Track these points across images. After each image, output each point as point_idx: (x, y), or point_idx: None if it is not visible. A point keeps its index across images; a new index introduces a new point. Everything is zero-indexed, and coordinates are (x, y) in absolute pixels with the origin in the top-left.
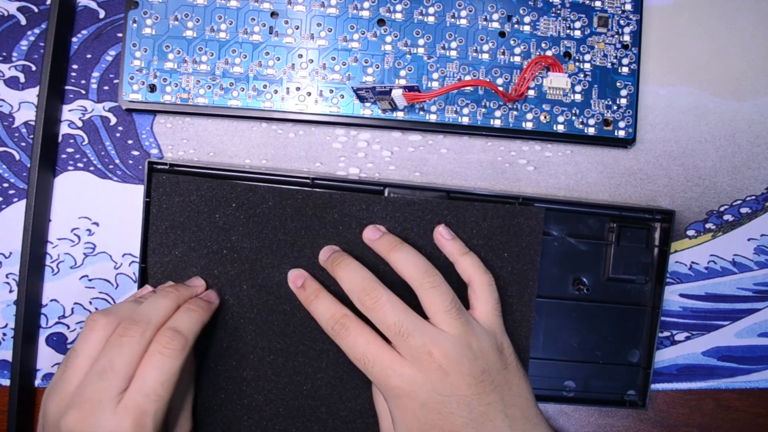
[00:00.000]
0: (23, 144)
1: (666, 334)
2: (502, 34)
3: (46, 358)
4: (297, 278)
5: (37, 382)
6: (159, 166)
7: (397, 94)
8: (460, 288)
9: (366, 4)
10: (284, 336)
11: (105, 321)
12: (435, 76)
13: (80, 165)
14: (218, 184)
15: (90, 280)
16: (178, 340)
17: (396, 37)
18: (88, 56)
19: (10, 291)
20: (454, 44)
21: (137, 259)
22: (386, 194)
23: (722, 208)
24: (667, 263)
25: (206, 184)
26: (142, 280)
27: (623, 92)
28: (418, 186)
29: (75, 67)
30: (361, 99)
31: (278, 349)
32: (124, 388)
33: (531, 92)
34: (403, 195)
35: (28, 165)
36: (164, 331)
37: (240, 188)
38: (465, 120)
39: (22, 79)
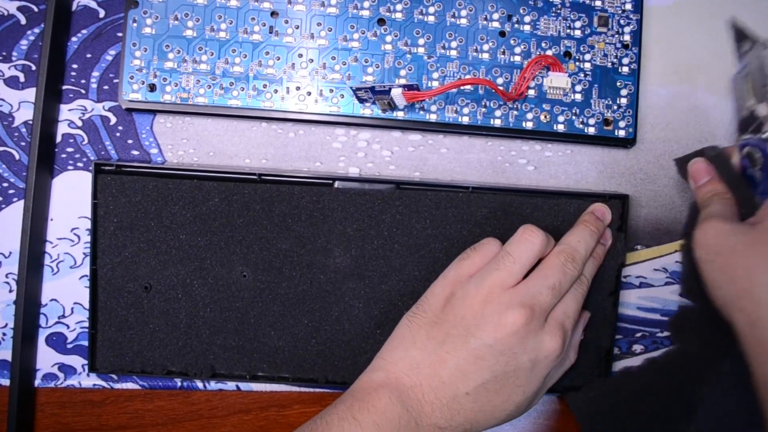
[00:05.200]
0: (23, 144)
1: (667, 334)
2: (502, 33)
3: (45, 358)
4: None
5: (37, 381)
6: (106, 167)
7: (396, 93)
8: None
9: (366, 4)
10: (238, 333)
11: (542, 236)
12: (435, 75)
13: (80, 165)
14: (163, 183)
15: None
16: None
17: (396, 36)
18: (88, 56)
19: (10, 291)
20: (454, 44)
21: None
22: (336, 186)
23: None
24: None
25: (151, 184)
26: (93, 282)
27: (623, 92)
28: (367, 178)
29: (75, 66)
30: (360, 100)
31: (233, 346)
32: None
33: (531, 92)
34: (353, 187)
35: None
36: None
37: (185, 186)
38: (465, 120)
39: (22, 79)
